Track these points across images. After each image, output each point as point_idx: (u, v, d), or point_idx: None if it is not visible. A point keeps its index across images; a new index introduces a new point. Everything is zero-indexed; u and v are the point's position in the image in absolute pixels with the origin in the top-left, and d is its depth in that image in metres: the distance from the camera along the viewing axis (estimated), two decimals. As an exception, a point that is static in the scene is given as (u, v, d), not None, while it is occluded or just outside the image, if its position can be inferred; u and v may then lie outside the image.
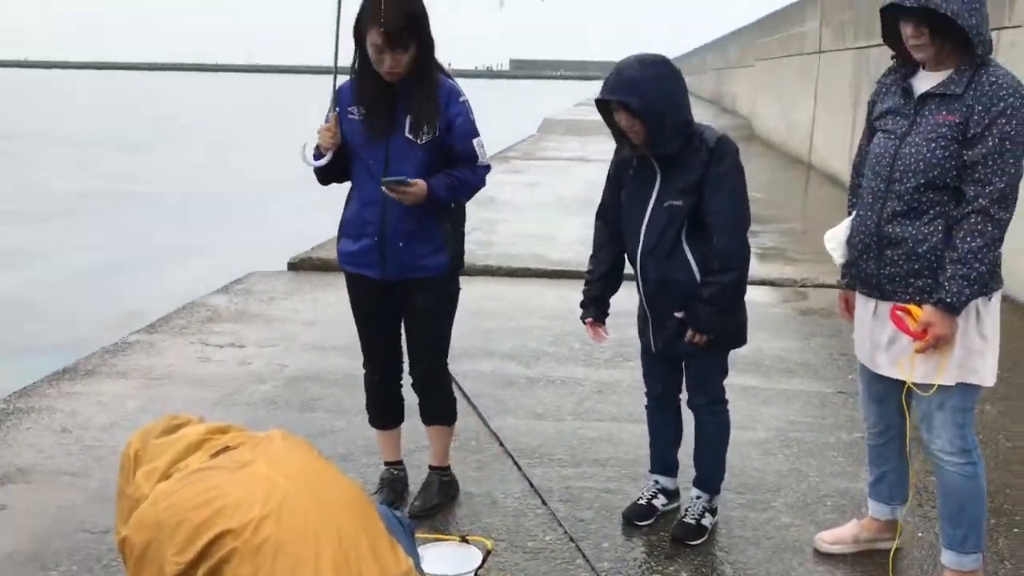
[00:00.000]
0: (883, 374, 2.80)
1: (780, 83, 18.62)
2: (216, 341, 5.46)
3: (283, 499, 1.96)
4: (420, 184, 3.00)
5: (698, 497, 3.26)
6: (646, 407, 3.38)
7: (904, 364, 2.68)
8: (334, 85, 3.16)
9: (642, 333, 3.22)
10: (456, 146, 3.11)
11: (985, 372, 2.68)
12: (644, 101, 2.81)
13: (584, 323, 3.27)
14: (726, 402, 3.23)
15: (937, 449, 2.75)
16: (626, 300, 3.26)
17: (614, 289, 3.25)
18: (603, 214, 3.22)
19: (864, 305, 2.84)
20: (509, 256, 7.66)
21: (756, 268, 7.37)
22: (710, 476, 3.27)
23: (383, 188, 2.99)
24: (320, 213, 6.08)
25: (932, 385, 2.65)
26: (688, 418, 3.29)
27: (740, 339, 3.14)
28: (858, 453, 3.86)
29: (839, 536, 3.15)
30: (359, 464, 3.78)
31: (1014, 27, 6.67)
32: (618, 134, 3.02)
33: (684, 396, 3.28)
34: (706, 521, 3.23)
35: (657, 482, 3.39)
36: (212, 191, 15.59)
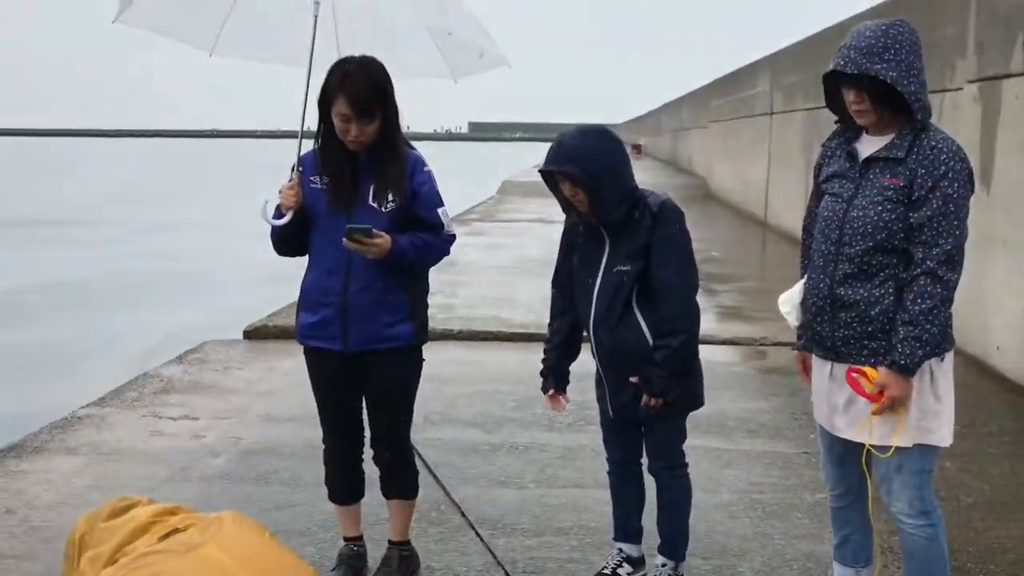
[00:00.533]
0: (842, 436, 2.80)
1: (735, 143, 19.01)
2: (169, 414, 5.33)
3: (232, 587, 1.88)
4: (385, 237, 2.97)
5: (663, 565, 3.21)
6: (608, 473, 3.34)
7: (862, 427, 2.68)
8: (299, 147, 3.16)
9: (600, 399, 3.20)
10: (421, 214, 3.10)
11: (942, 432, 2.68)
12: (585, 171, 2.87)
13: (544, 394, 3.25)
14: (686, 466, 3.20)
15: (897, 512, 2.74)
16: (588, 362, 3.24)
17: (573, 357, 3.25)
18: (557, 280, 3.24)
19: (820, 368, 2.85)
20: (471, 319, 7.64)
21: (715, 327, 7.43)
22: (674, 542, 3.22)
23: (345, 241, 2.95)
24: (273, 289, 6.05)
25: (890, 447, 2.65)
26: (650, 483, 3.25)
27: (697, 402, 3.14)
28: (823, 514, 3.83)
29: (806, 601, 3.11)
30: (317, 539, 3.68)
31: (956, 89, 6.88)
32: (565, 202, 3.05)
33: (645, 461, 3.25)
34: (672, 589, 3.17)
35: (621, 550, 3.33)
36: (160, 260, 15.39)
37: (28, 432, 5.01)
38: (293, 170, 3.13)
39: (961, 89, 6.79)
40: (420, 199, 3.10)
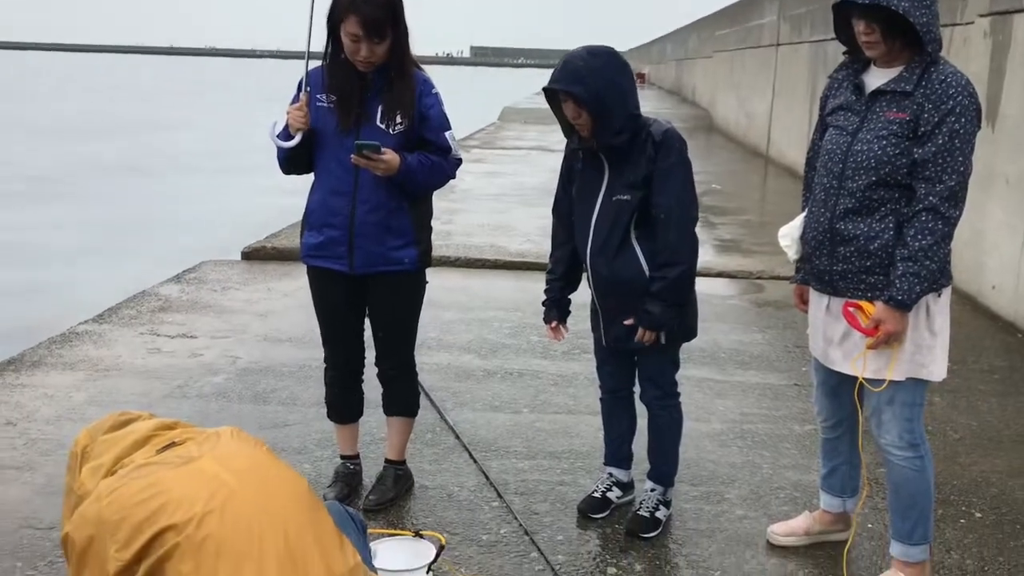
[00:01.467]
0: (836, 370, 2.83)
1: (738, 75, 18.76)
2: (167, 332, 5.36)
3: (228, 496, 1.92)
4: (393, 155, 2.95)
5: (652, 490, 3.27)
6: (600, 399, 3.38)
7: (856, 360, 2.71)
8: (306, 67, 3.10)
9: (594, 328, 3.21)
10: (429, 137, 3.08)
11: (935, 367, 2.71)
12: (590, 90, 2.80)
13: (547, 325, 3.25)
14: (678, 395, 3.24)
15: (886, 444, 2.78)
16: (583, 291, 3.25)
17: (574, 286, 3.25)
18: (557, 209, 3.22)
19: (817, 301, 2.86)
20: (468, 247, 7.63)
21: (713, 260, 7.44)
22: (664, 469, 3.28)
23: (353, 157, 2.93)
24: (273, 199, 6.01)
25: (883, 381, 2.67)
26: (642, 411, 3.29)
27: (690, 333, 3.15)
28: (811, 445, 3.90)
29: (791, 528, 3.18)
30: (313, 457, 3.73)
31: (967, 23, 6.76)
32: (567, 126, 3.00)
33: (637, 389, 3.28)
34: (660, 514, 3.24)
35: (611, 475, 3.39)
36: (160, 176, 15.30)
37: (27, 347, 5.04)
38: (300, 89, 3.09)
39: (972, 23, 6.67)
40: (429, 122, 3.07)
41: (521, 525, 3.23)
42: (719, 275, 7.04)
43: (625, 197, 2.94)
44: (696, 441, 3.95)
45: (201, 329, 5.42)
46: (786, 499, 3.50)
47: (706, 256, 7.67)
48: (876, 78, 2.66)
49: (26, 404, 4.23)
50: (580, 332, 3.36)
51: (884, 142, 2.59)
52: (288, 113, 3.08)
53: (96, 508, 1.97)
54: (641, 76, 53.66)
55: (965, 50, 6.72)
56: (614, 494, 3.36)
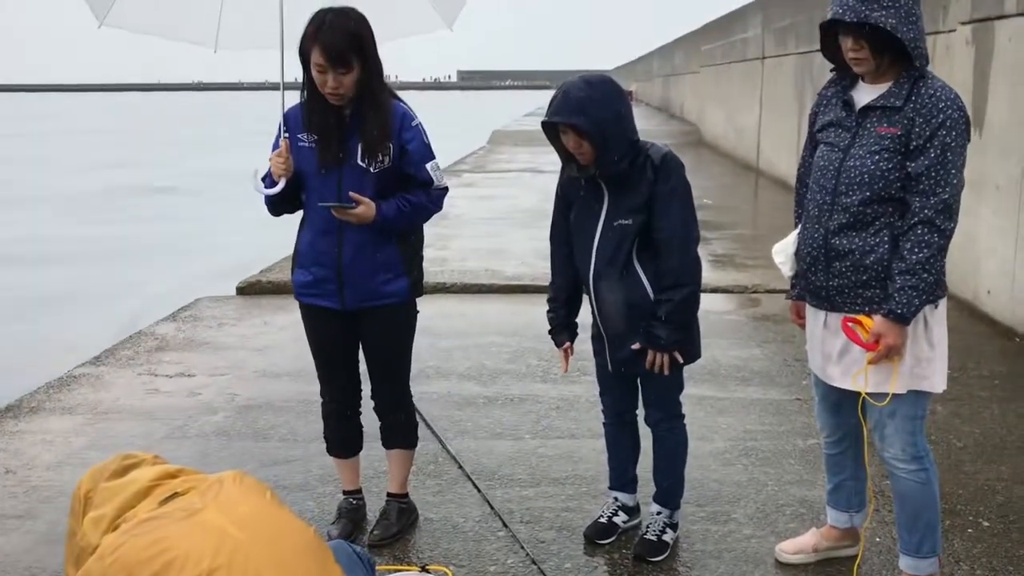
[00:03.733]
0: (836, 386, 2.82)
1: (726, 89, 18.86)
2: (165, 371, 5.34)
3: (234, 549, 1.90)
4: (365, 207, 2.96)
5: (658, 513, 3.25)
6: (604, 424, 3.37)
7: (858, 376, 2.70)
8: (282, 103, 3.11)
9: (598, 353, 3.20)
10: (409, 171, 3.08)
11: (935, 379, 2.71)
12: (593, 121, 2.81)
13: (560, 349, 3.24)
14: (683, 417, 3.23)
15: (890, 457, 2.77)
16: (582, 313, 3.25)
17: (577, 311, 3.24)
18: (555, 235, 3.21)
19: (814, 317, 2.86)
20: (463, 272, 7.63)
21: (708, 275, 7.42)
22: (670, 491, 3.26)
23: (332, 211, 2.95)
24: (267, 232, 6.02)
25: (886, 395, 2.67)
26: (645, 432, 3.28)
27: (695, 353, 3.15)
28: (815, 460, 3.89)
29: (800, 545, 3.16)
30: (316, 493, 3.71)
31: (949, 31, 6.81)
32: (565, 155, 3.00)
33: (640, 411, 3.27)
34: (667, 537, 3.22)
35: (616, 499, 3.37)
36: (150, 214, 15.29)
37: (24, 392, 5.01)
38: (279, 136, 3.09)
39: (954, 31, 6.72)
40: (408, 156, 3.06)
41: (528, 554, 3.21)
42: (714, 291, 7.04)
43: (627, 222, 2.94)
44: (700, 460, 3.93)
45: (199, 367, 5.40)
46: (793, 516, 3.48)
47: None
48: (865, 94, 2.68)
49: (25, 451, 4.21)
50: (580, 353, 3.35)
51: (877, 157, 2.60)
52: (270, 160, 3.09)
53: (100, 567, 1.95)
54: (629, 93, 53.93)
55: (948, 58, 6.77)
56: (620, 518, 3.34)
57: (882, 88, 2.63)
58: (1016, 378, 5.02)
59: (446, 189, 3.19)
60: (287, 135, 3.08)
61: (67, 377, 5.26)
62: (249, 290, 7.33)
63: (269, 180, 3.11)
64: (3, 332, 8.03)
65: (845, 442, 3.02)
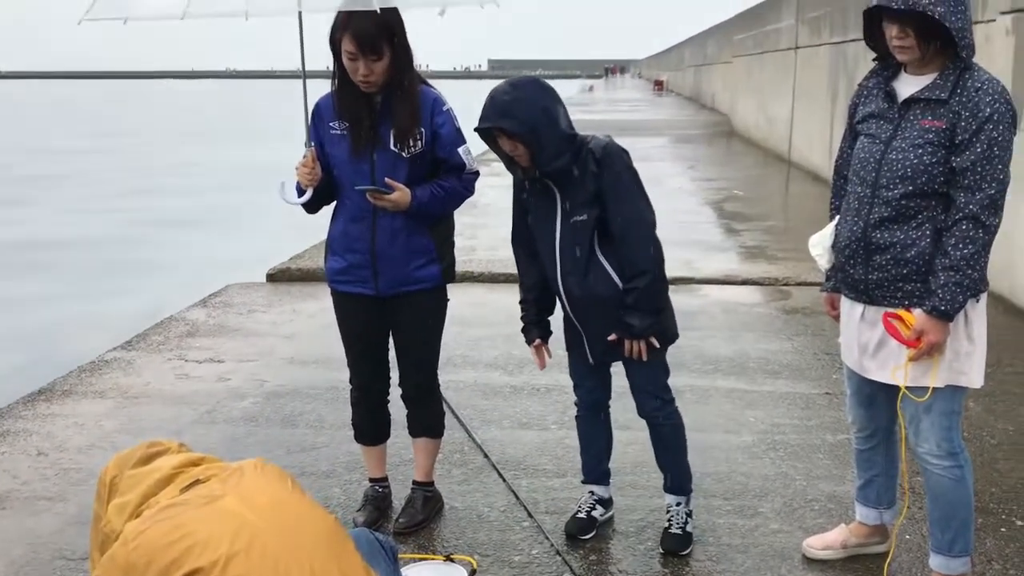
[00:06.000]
0: (872, 379, 2.78)
1: (758, 79, 18.67)
2: (194, 357, 5.39)
3: (252, 535, 1.91)
4: (401, 193, 2.97)
5: (677, 504, 3.23)
6: (577, 417, 3.37)
7: (897, 371, 2.66)
8: (306, 120, 3.10)
9: (573, 346, 3.20)
10: (442, 156, 3.09)
11: (973, 374, 2.66)
12: (520, 122, 2.82)
13: (531, 347, 3.24)
14: (674, 401, 3.21)
15: (924, 453, 2.73)
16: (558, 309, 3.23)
17: (551, 310, 3.24)
18: (516, 239, 3.23)
19: (851, 310, 2.81)
20: (492, 261, 7.62)
21: (738, 267, 7.38)
22: (680, 479, 3.24)
23: (367, 195, 2.96)
24: (296, 232, 6.09)
25: (925, 389, 2.62)
26: (640, 425, 3.25)
27: (671, 336, 3.14)
28: (844, 455, 3.84)
29: (827, 542, 3.12)
30: (342, 480, 3.72)
31: (988, 21, 6.68)
32: (507, 160, 3.01)
33: (613, 406, 3.27)
34: (690, 527, 3.21)
35: (593, 492, 3.37)
36: (184, 204, 15.43)
37: (57, 376, 5.08)
38: (306, 144, 3.09)
39: (994, 20, 6.58)
40: (440, 140, 3.07)
41: (553, 545, 3.20)
42: (744, 283, 6.97)
43: (582, 217, 2.95)
44: (727, 453, 3.90)
45: (228, 353, 5.44)
46: (821, 511, 3.44)
47: (730, 264, 7.62)
48: (908, 86, 2.62)
49: (57, 434, 4.26)
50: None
51: (920, 151, 2.55)
52: (296, 170, 3.10)
53: (124, 553, 1.98)
54: (659, 83, 53.60)
55: (988, 48, 6.63)
56: (598, 512, 3.35)
57: (926, 79, 2.57)
58: (1053, 375, 4.93)
59: (477, 173, 3.20)
60: (312, 144, 3.08)
61: (99, 361, 5.32)
62: (279, 277, 7.37)
63: (298, 188, 3.13)
64: (39, 315, 8.15)
65: (876, 437, 2.97)
